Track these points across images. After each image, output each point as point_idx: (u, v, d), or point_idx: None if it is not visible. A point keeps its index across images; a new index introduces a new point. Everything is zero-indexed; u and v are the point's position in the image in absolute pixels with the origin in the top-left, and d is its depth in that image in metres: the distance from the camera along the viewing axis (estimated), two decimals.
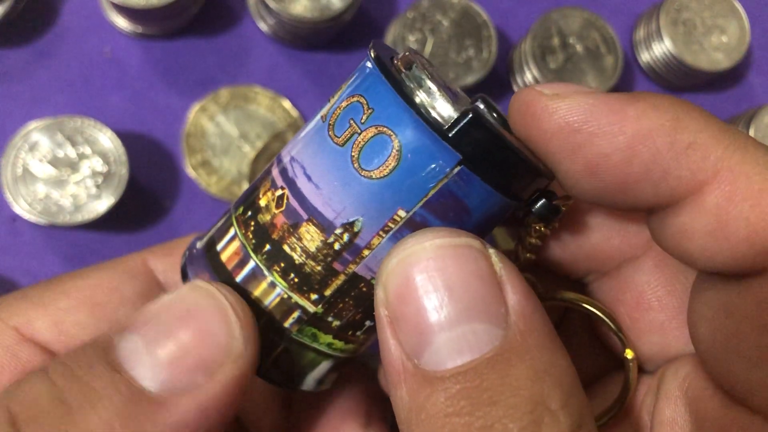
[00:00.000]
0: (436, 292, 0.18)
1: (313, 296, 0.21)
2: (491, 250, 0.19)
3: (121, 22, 0.45)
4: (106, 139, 0.41)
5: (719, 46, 0.49)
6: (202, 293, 0.20)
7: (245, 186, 0.45)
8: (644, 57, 0.51)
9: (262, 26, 0.47)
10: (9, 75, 0.44)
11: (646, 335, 0.24)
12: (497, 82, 0.49)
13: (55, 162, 0.41)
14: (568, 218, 0.24)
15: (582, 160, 0.19)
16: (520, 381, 0.17)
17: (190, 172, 0.45)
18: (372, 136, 0.19)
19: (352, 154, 0.19)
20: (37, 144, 0.41)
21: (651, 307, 0.23)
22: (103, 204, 0.40)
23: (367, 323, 0.22)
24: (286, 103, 0.46)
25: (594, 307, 0.24)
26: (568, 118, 0.19)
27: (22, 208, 0.40)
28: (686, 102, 0.19)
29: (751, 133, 0.47)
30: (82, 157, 0.41)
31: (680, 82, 0.50)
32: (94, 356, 0.19)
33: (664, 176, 0.18)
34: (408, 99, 0.19)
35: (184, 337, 0.19)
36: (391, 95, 0.19)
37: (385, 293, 0.19)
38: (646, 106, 0.19)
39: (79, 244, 0.43)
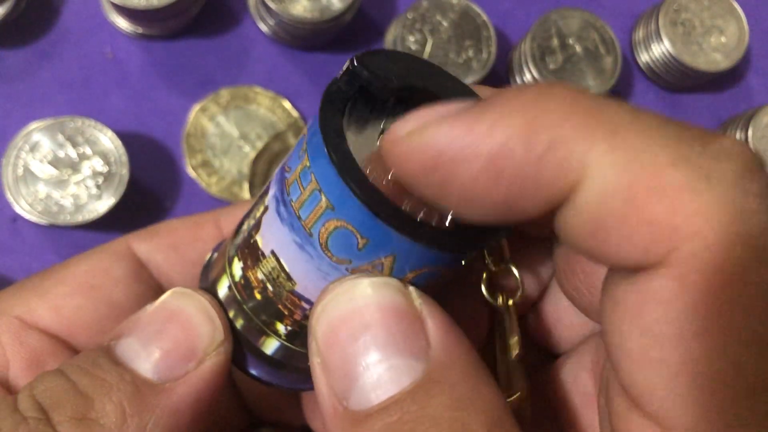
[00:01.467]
0: (357, 334, 0.19)
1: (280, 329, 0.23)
2: (410, 287, 0.20)
3: (122, 23, 0.46)
4: (107, 140, 0.41)
5: (718, 47, 0.49)
6: (184, 296, 0.23)
7: (245, 186, 0.45)
8: (643, 57, 0.51)
9: (263, 27, 0.47)
10: (10, 75, 0.45)
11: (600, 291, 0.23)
12: (497, 83, 0.49)
13: (55, 162, 0.41)
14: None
15: (454, 193, 0.18)
16: (440, 411, 0.18)
17: (191, 172, 0.45)
18: (334, 229, 0.19)
19: (320, 242, 0.20)
20: (38, 144, 0.41)
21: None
22: (103, 204, 0.40)
23: None
24: (287, 104, 0.46)
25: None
26: (423, 160, 0.18)
27: (22, 208, 0.40)
28: (548, 91, 0.17)
29: (750, 133, 0.47)
30: (82, 157, 0.41)
31: (679, 82, 0.51)
32: (98, 357, 0.22)
33: (535, 185, 0.17)
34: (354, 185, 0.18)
35: (173, 332, 0.23)
36: (339, 187, 0.19)
37: (315, 342, 0.20)
38: (494, 116, 0.17)
39: (80, 244, 0.43)
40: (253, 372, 0.24)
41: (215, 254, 0.25)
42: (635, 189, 0.16)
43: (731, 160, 0.16)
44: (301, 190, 0.19)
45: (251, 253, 0.22)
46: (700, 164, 0.16)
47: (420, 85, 0.20)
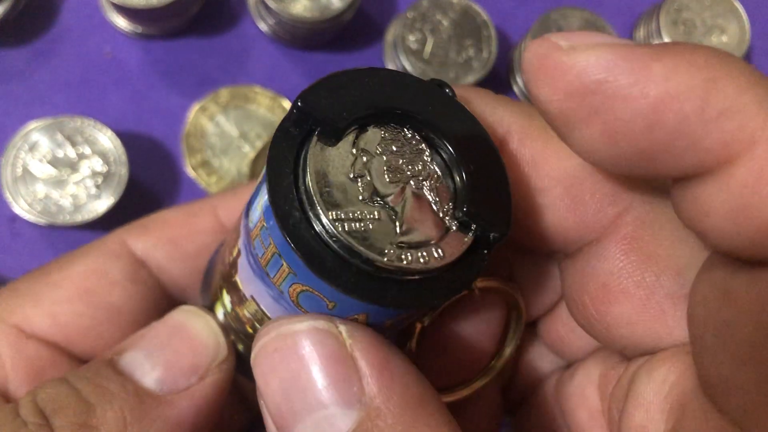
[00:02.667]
0: (288, 382, 0.19)
1: None
2: (342, 327, 0.19)
3: (121, 22, 0.45)
4: (106, 139, 0.41)
5: (719, 46, 0.49)
6: (190, 313, 0.24)
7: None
8: None
9: (262, 26, 0.47)
10: (9, 74, 0.44)
11: (613, 329, 0.22)
12: (497, 82, 0.49)
13: (54, 162, 0.41)
14: (519, 197, 0.22)
15: (599, 125, 0.17)
16: None
17: (190, 172, 0.45)
18: (301, 291, 0.19)
19: (291, 300, 0.19)
20: (37, 144, 0.41)
21: (616, 300, 0.21)
22: (102, 204, 0.40)
23: None
24: (286, 103, 0.46)
25: (505, 289, 0.24)
26: (583, 78, 0.16)
27: (21, 208, 0.40)
28: (729, 56, 0.16)
29: None
30: (81, 157, 0.41)
31: None
32: (102, 367, 0.22)
33: (691, 146, 0.16)
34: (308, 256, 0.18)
35: (177, 346, 0.23)
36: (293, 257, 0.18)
37: (257, 383, 0.20)
38: (676, 61, 0.16)
39: (79, 244, 0.43)
40: None
41: (215, 259, 0.25)
42: None
43: None
44: (264, 249, 0.19)
45: (235, 292, 0.22)
46: None
47: (376, 111, 0.19)
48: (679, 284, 0.20)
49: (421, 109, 0.19)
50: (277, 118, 0.46)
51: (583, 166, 0.20)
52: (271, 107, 0.46)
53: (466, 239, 0.19)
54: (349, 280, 0.17)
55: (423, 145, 0.20)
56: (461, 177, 0.19)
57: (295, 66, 0.47)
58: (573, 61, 0.17)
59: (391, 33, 0.47)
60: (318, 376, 0.18)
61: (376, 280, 0.18)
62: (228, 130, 0.45)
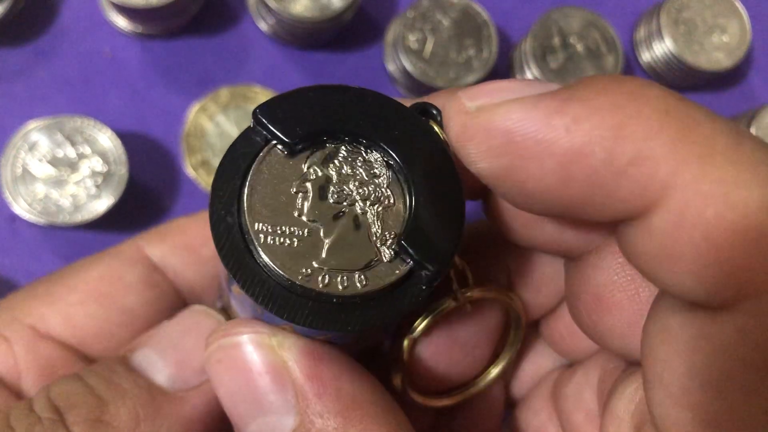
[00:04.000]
0: (235, 388, 0.20)
1: None
2: (274, 339, 0.19)
3: (121, 22, 0.45)
4: (106, 139, 0.41)
5: (720, 46, 0.49)
6: (200, 312, 0.24)
7: None
8: (645, 56, 0.50)
9: (262, 26, 0.47)
10: (8, 74, 0.44)
11: (607, 339, 0.22)
12: None
13: (54, 162, 0.41)
14: (517, 213, 0.21)
15: (513, 184, 0.16)
16: None
17: (190, 171, 0.45)
18: (239, 293, 0.20)
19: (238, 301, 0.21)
20: (37, 144, 0.41)
21: (609, 312, 0.21)
22: (102, 204, 0.40)
23: None
24: None
25: (502, 297, 0.24)
26: (490, 142, 0.16)
27: (21, 207, 0.40)
28: (642, 92, 0.15)
29: (753, 132, 0.47)
30: (81, 156, 0.41)
31: (681, 81, 0.50)
32: (115, 365, 0.23)
33: (607, 198, 0.16)
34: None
35: (189, 345, 0.23)
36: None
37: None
38: (579, 111, 0.15)
39: (79, 244, 0.43)
40: None
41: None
42: (718, 227, 0.14)
43: None
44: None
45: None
46: None
47: (334, 127, 0.19)
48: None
49: (386, 132, 0.19)
50: None
51: None
52: None
53: (397, 272, 0.18)
54: (264, 292, 0.18)
55: (383, 169, 0.19)
56: (411, 206, 0.19)
57: (295, 66, 0.47)
58: (478, 124, 0.16)
59: (391, 33, 0.47)
60: (257, 385, 0.19)
61: (293, 296, 0.18)
62: (228, 130, 0.45)
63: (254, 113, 0.18)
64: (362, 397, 0.19)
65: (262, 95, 0.46)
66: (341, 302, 0.18)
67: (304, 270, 0.18)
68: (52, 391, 0.22)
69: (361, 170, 0.19)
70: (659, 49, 0.49)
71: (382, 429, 0.19)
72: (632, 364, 0.22)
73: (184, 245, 0.28)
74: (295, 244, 0.18)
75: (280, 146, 0.19)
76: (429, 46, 0.46)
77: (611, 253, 0.21)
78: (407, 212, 0.19)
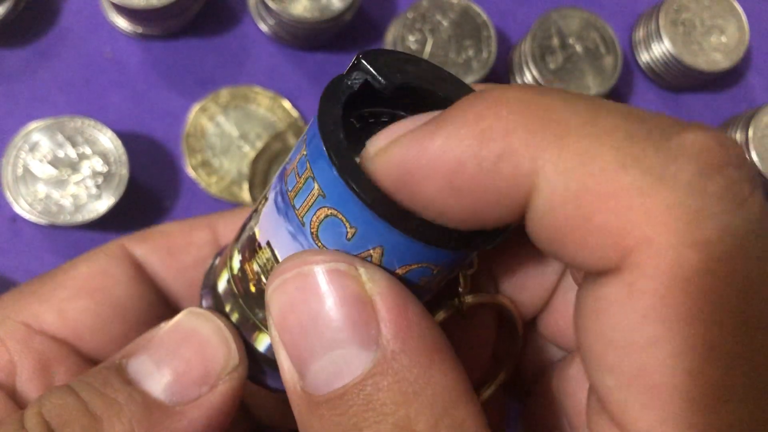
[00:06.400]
0: (306, 321, 0.19)
1: None
2: (362, 270, 0.19)
3: (122, 23, 0.45)
4: (107, 140, 0.41)
5: (718, 47, 0.49)
6: (200, 317, 0.23)
7: (245, 186, 0.45)
8: (643, 57, 0.51)
9: (262, 26, 0.47)
10: (9, 75, 0.44)
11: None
12: (497, 83, 0.49)
13: (55, 162, 0.41)
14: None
15: (425, 206, 0.18)
16: (386, 406, 0.18)
17: (190, 172, 0.45)
18: (324, 218, 0.19)
19: (311, 231, 0.20)
20: (38, 144, 0.41)
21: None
22: (103, 204, 0.40)
23: None
24: (286, 104, 0.46)
25: (496, 302, 0.24)
26: (392, 177, 0.18)
27: (22, 208, 0.40)
28: (501, 96, 0.17)
29: (750, 133, 0.47)
30: (82, 157, 0.41)
31: (679, 82, 0.51)
32: (110, 375, 0.22)
33: (495, 197, 0.17)
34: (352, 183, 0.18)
35: (187, 354, 0.22)
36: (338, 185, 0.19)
37: (271, 318, 0.20)
38: (447, 131, 0.17)
39: (80, 245, 0.43)
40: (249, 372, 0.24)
41: (217, 259, 0.25)
42: (583, 196, 0.16)
43: (689, 158, 0.16)
44: (297, 179, 0.20)
45: (249, 245, 0.22)
46: (651, 165, 0.15)
47: (423, 85, 0.20)
48: None
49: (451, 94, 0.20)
50: (277, 118, 0.46)
51: None
52: (271, 107, 0.46)
53: None
54: (375, 197, 0.18)
55: None
56: None
57: (295, 66, 0.48)
58: (375, 170, 0.18)
59: (391, 33, 0.47)
60: (337, 315, 0.18)
61: (399, 209, 0.18)
62: (228, 130, 0.45)
63: (358, 56, 0.19)
64: (442, 343, 0.19)
65: (263, 95, 0.46)
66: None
67: None
68: (45, 407, 0.21)
69: None
70: (658, 49, 0.49)
71: (459, 375, 0.19)
72: None
73: (165, 248, 0.28)
74: None
75: (376, 85, 0.19)
76: (429, 47, 0.46)
77: None
78: None
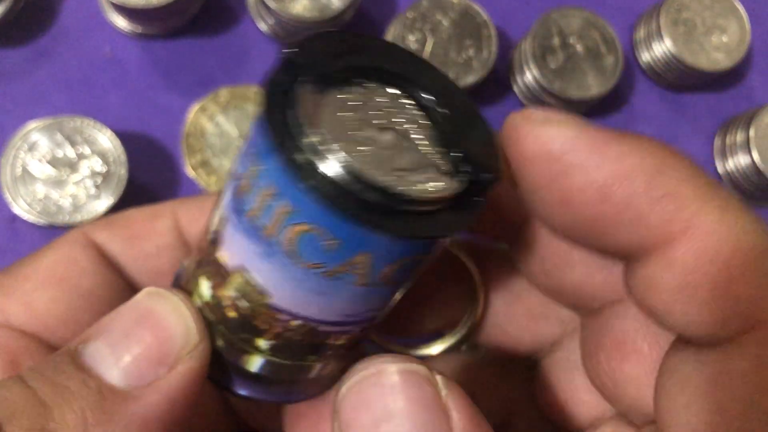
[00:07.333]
0: (380, 422, 0.19)
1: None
2: (437, 376, 0.19)
3: (121, 22, 0.45)
4: (106, 139, 0.41)
5: (719, 46, 0.49)
6: (157, 296, 0.22)
7: None
8: (644, 57, 0.51)
9: (262, 26, 0.47)
10: (8, 74, 0.44)
11: (622, 386, 0.22)
12: (497, 82, 0.49)
13: (54, 162, 0.41)
14: (553, 249, 0.23)
15: (557, 191, 0.19)
16: None
17: (190, 172, 0.45)
18: (299, 234, 0.18)
19: (286, 250, 0.19)
20: (37, 144, 0.41)
21: (628, 358, 0.22)
22: (102, 204, 0.40)
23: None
24: None
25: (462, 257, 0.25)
26: (549, 146, 0.19)
27: (21, 208, 0.40)
28: (674, 150, 0.19)
29: (751, 133, 0.47)
30: (81, 157, 0.41)
31: (680, 82, 0.50)
32: (63, 362, 0.20)
33: (636, 221, 0.18)
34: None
35: (144, 335, 0.21)
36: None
37: (338, 423, 0.20)
38: (630, 147, 0.18)
39: None
40: (241, 392, 0.22)
41: (183, 270, 0.24)
42: (734, 262, 0.17)
43: None
44: (256, 197, 0.18)
45: (216, 271, 0.21)
46: None
47: (366, 64, 0.19)
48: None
49: (402, 68, 0.20)
50: None
51: None
52: None
53: (460, 178, 0.19)
54: (353, 206, 0.17)
55: (406, 100, 0.20)
56: (447, 128, 0.20)
57: None
58: (542, 131, 0.19)
59: (391, 33, 0.47)
60: (411, 417, 0.19)
61: (377, 210, 0.17)
62: (228, 130, 0.45)
63: (283, 53, 0.18)
64: None
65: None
66: (424, 210, 0.18)
67: (380, 176, 0.17)
68: None
69: (388, 100, 0.20)
70: (659, 49, 0.49)
71: None
72: (638, 427, 0.23)
73: (126, 236, 0.27)
74: (368, 155, 0.18)
75: (314, 78, 0.18)
76: (429, 47, 0.46)
77: (634, 304, 0.22)
78: (443, 134, 0.20)
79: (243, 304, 0.20)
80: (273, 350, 0.21)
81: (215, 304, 0.21)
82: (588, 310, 0.24)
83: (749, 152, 0.47)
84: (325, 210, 0.17)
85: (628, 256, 0.19)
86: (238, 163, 0.20)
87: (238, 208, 0.19)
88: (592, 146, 0.18)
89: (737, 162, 0.49)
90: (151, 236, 0.27)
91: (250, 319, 0.20)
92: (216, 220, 0.20)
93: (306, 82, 0.18)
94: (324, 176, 0.17)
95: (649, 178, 0.18)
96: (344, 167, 0.17)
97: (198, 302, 0.22)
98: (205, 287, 0.21)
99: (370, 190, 0.17)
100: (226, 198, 0.20)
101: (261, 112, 0.18)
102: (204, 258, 0.21)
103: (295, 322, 0.20)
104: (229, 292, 0.20)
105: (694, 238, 0.17)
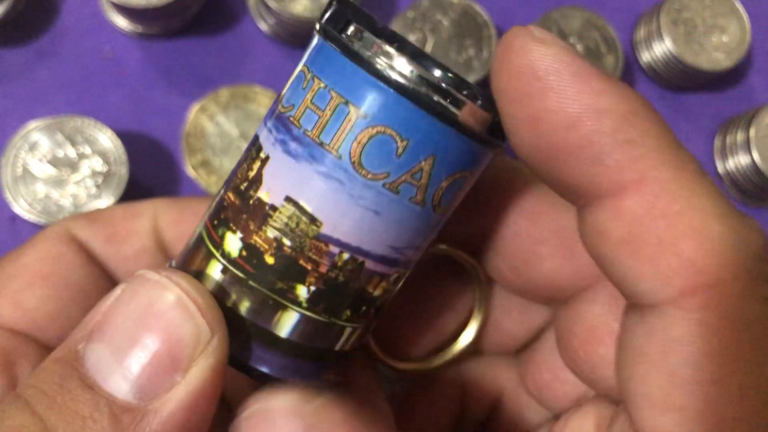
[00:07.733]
0: None
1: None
2: (309, 406, 0.20)
3: (121, 22, 0.45)
4: (106, 139, 0.41)
5: (719, 46, 0.49)
6: (156, 288, 0.19)
7: None
8: (644, 57, 0.51)
9: (262, 26, 0.47)
10: (9, 74, 0.44)
11: (599, 369, 0.23)
12: None
13: (54, 162, 0.41)
14: (519, 246, 0.24)
15: (530, 108, 0.18)
16: None
17: (190, 171, 0.45)
18: (369, 139, 0.19)
19: (352, 161, 0.19)
20: (37, 144, 0.41)
21: (602, 341, 0.22)
22: (103, 204, 0.40)
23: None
24: None
25: (456, 255, 0.25)
26: (536, 64, 0.18)
27: (21, 207, 0.40)
28: (651, 106, 0.18)
29: (752, 132, 0.47)
30: (81, 156, 0.41)
31: (680, 81, 0.50)
32: (65, 375, 0.19)
33: (596, 159, 0.18)
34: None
35: (149, 341, 0.19)
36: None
37: None
38: (612, 88, 0.18)
39: None
40: (263, 369, 0.20)
41: (181, 253, 0.22)
42: (682, 221, 0.17)
43: (759, 235, 0.18)
44: (320, 113, 0.19)
45: (255, 214, 0.19)
46: (738, 227, 0.17)
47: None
48: None
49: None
50: None
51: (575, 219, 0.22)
52: None
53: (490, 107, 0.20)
54: (429, 99, 0.18)
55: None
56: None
57: (295, 65, 0.47)
58: (536, 48, 0.19)
59: None
60: None
61: (448, 106, 0.19)
62: (228, 130, 0.45)
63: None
64: None
65: (263, 95, 0.46)
66: (486, 110, 0.20)
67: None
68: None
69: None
70: (659, 49, 0.49)
71: None
72: (617, 404, 0.23)
73: (106, 235, 0.26)
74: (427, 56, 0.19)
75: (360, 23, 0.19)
76: (429, 47, 0.46)
77: (603, 287, 0.23)
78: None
79: (287, 242, 0.19)
80: (311, 301, 0.20)
81: (249, 255, 0.20)
82: (559, 303, 0.25)
83: (749, 152, 0.47)
84: (402, 105, 0.18)
85: (582, 198, 0.19)
86: (285, 98, 0.21)
87: (294, 134, 0.20)
88: (575, 75, 0.18)
89: (737, 162, 0.49)
90: (130, 238, 0.26)
91: (295, 258, 0.19)
92: (255, 164, 0.20)
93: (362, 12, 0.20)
94: (401, 72, 0.18)
95: (618, 121, 0.18)
96: (420, 62, 0.18)
97: (218, 266, 0.20)
98: (233, 241, 0.20)
99: (446, 79, 0.19)
100: (271, 135, 0.20)
101: (319, 30, 0.19)
102: (236, 209, 0.20)
103: (344, 255, 0.20)
104: (271, 233, 0.19)
105: (646, 191, 0.17)
